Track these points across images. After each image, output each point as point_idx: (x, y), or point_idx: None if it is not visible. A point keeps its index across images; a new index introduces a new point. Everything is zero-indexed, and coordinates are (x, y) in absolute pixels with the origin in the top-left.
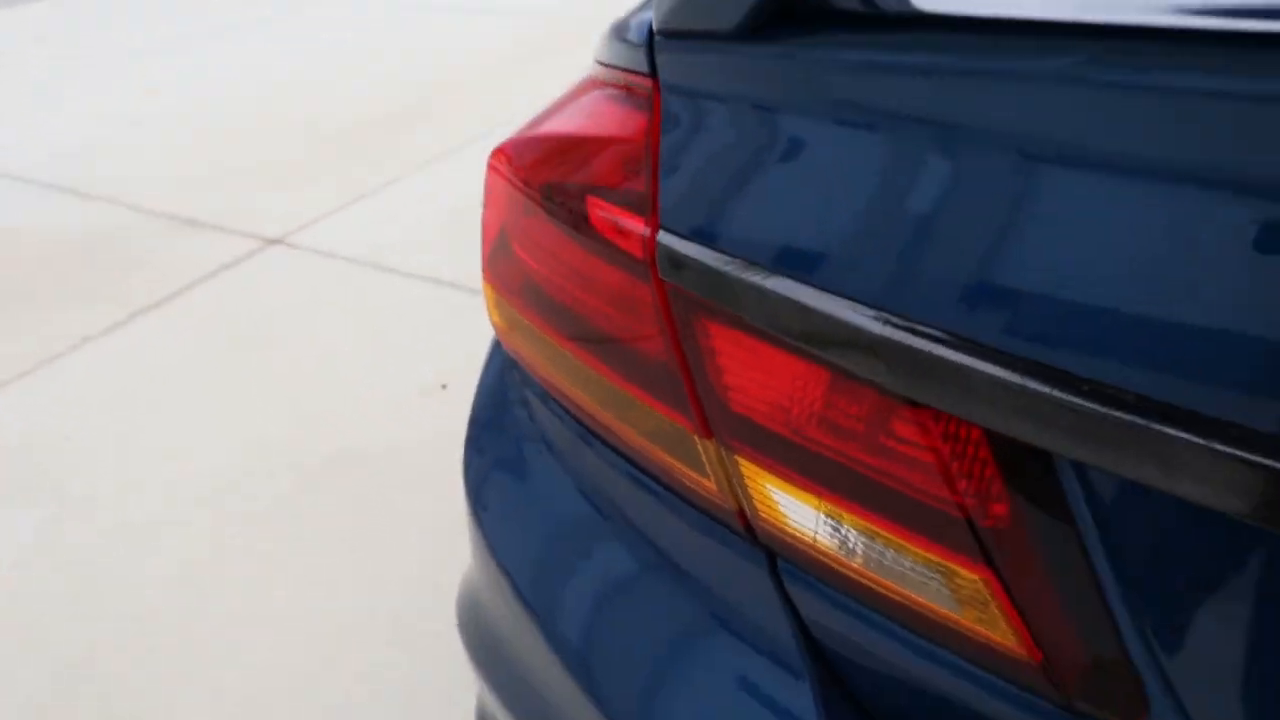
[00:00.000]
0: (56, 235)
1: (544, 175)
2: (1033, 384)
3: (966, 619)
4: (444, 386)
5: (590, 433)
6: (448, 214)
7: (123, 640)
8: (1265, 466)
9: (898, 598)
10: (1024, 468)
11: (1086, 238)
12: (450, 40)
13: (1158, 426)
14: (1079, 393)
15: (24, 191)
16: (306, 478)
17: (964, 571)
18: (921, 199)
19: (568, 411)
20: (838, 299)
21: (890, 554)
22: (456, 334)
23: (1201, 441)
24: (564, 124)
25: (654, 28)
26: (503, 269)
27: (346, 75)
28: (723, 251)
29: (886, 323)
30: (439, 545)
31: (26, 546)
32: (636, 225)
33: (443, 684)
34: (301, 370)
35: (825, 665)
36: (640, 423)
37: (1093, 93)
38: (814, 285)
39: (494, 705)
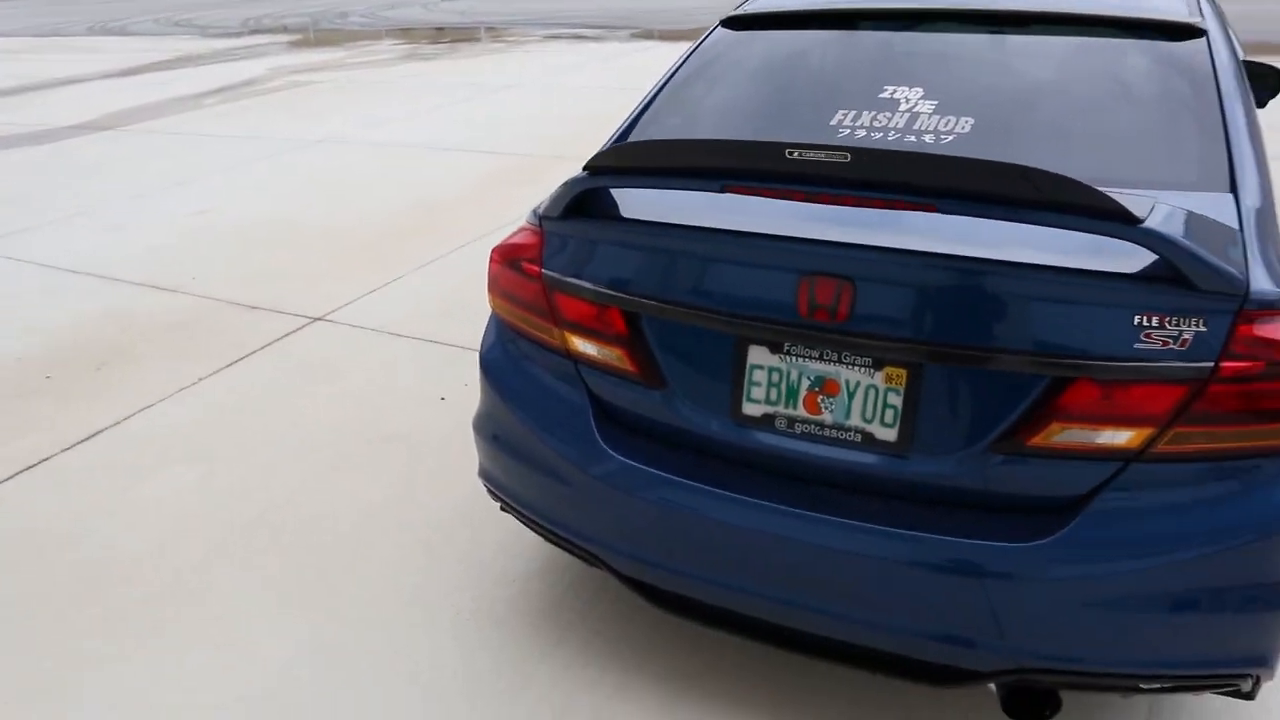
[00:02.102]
0: (154, 318)
1: (506, 255)
2: (645, 303)
3: (622, 365)
4: (443, 399)
5: (522, 335)
6: (439, 299)
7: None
8: (714, 312)
9: (606, 366)
10: (633, 318)
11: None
12: (444, 173)
13: (677, 307)
14: (661, 308)
15: (122, 289)
16: (361, 450)
17: (620, 352)
18: (614, 266)
19: (515, 330)
20: (588, 284)
21: (601, 350)
22: (447, 371)
23: (696, 311)
24: (513, 238)
25: (540, 211)
26: (494, 288)
27: (359, 199)
28: (557, 272)
29: (600, 294)
30: (457, 470)
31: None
32: (536, 270)
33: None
34: (346, 392)
35: (594, 397)
36: (537, 329)
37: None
38: (586, 281)
39: (490, 461)
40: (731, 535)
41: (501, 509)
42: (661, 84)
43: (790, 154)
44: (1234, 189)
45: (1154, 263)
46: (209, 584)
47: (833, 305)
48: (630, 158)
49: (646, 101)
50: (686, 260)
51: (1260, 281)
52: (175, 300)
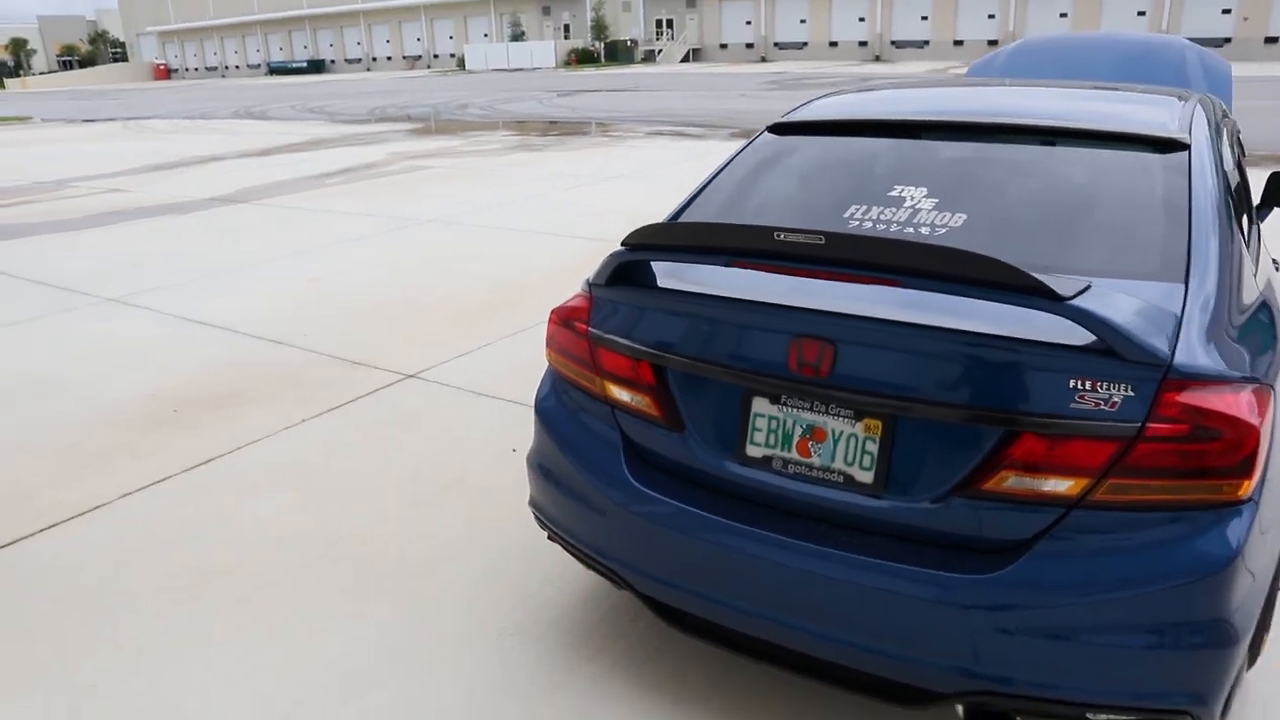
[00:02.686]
0: (269, 368)
1: (562, 316)
2: (670, 358)
3: (650, 411)
4: (514, 450)
5: (571, 384)
6: (517, 366)
7: None
8: (725, 366)
9: (637, 411)
10: (661, 371)
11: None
12: (539, 255)
13: (696, 362)
14: (683, 362)
15: (244, 341)
16: (436, 490)
17: (649, 399)
18: (646, 327)
19: (566, 380)
20: (624, 341)
21: (633, 398)
22: (519, 427)
23: (710, 365)
24: (568, 302)
25: (590, 280)
26: (551, 344)
27: (458, 274)
28: (601, 330)
29: (634, 349)
30: (517, 514)
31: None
32: (584, 328)
33: None
34: (429, 440)
35: (625, 438)
36: (583, 378)
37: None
38: (623, 338)
39: (539, 491)
40: (733, 560)
41: (549, 537)
42: (712, 176)
43: (777, 236)
44: (1186, 280)
45: (1088, 335)
46: (293, 588)
47: (817, 363)
48: (658, 236)
49: (698, 190)
50: (704, 322)
51: (1185, 356)
52: (288, 354)
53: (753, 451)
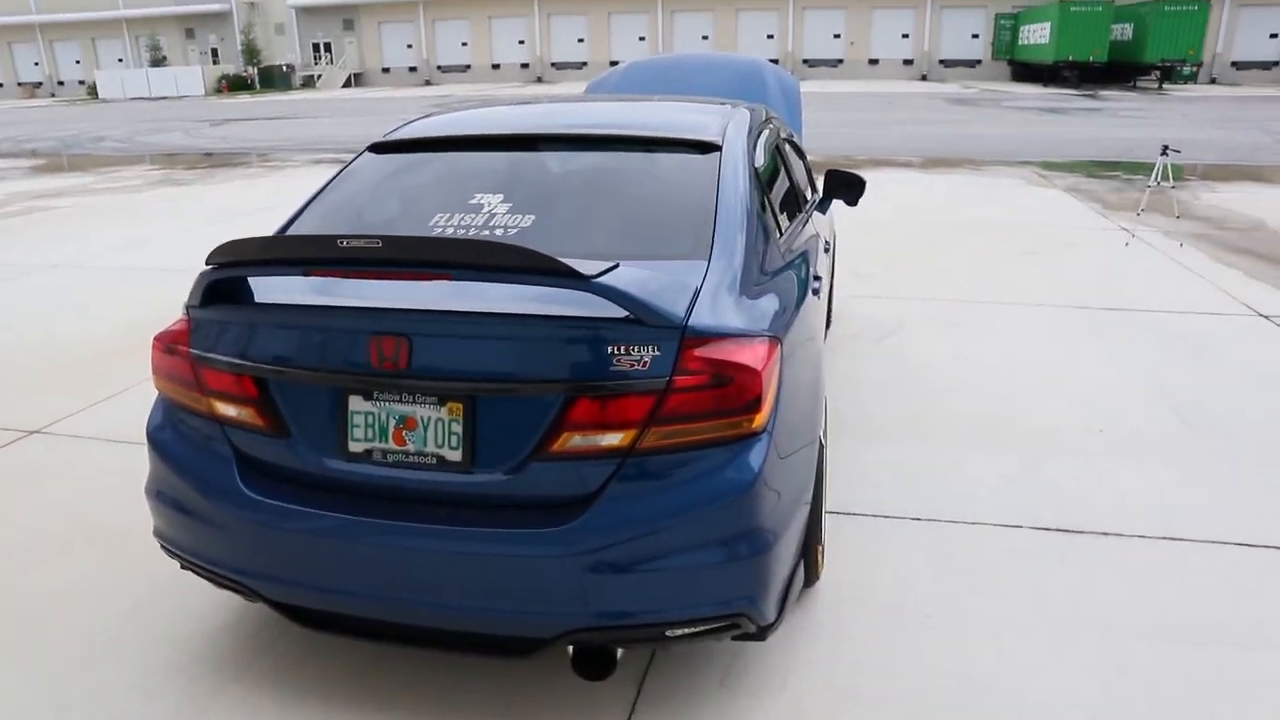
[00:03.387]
0: None
1: (163, 341)
2: (266, 369)
3: (255, 421)
4: None
5: (179, 407)
6: None
7: None
8: (317, 370)
9: (243, 424)
10: (262, 382)
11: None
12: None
13: (291, 369)
14: (279, 371)
15: None
16: (72, 541)
17: (253, 411)
18: (242, 341)
19: (174, 403)
20: (223, 358)
21: (238, 411)
22: None
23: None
24: (170, 327)
25: (186, 303)
26: (157, 371)
27: (85, 320)
28: (201, 350)
29: (233, 365)
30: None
31: None
32: (186, 350)
33: None
34: (57, 492)
35: (237, 451)
36: (189, 399)
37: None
38: (222, 355)
39: (161, 520)
40: (348, 551)
41: (181, 566)
42: (316, 194)
43: (341, 243)
44: (710, 258)
45: (617, 308)
46: None
47: (395, 357)
48: (238, 252)
49: (301, 208)
50: (293, 331)
51: (699, 319)
52: None
53: (355, 447)
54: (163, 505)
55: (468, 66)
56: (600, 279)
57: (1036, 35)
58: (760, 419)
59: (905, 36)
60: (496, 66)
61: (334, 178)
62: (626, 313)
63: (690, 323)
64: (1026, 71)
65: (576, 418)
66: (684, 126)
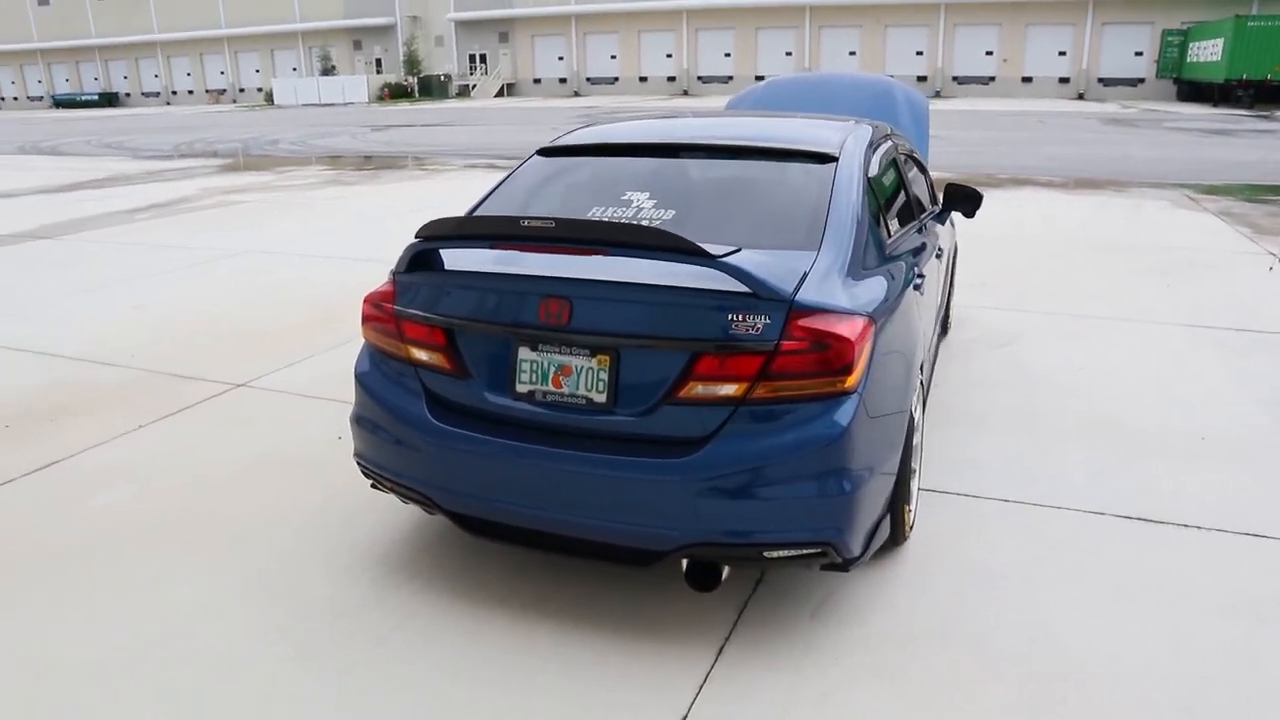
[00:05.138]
0: (98, 386)
1: (372, 300)
2: (455, 322)
3: (443, 365)
4: (339, 438)
5: (381, 352)
6: (338, 373)
7: None
8: (496, 324)
9: (433, 366)
10: (450, 333)
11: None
12: (351, 280)
13: (475, 323)
14: (465, 325)
15: (72, 364)
16: (273, 472)
17: (442, 356)
18: (437, 300)
19: (377, 349)
20: (420, 313)
21: (430, 356)
22: (341, 420)
23: (485, 324)
24: (378, 289)
25: (393, 270)
26: (365, 323)
27: (274, 299)
28: (403, 307)
29: (428, 319)
30: (347, 485)
31: None
32: (390, 307)
33: None
34: (259, 435)
35: (426, 389)
36: (391, 346)
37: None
38: (420, 311)
39: (361, 442)
40: (512, 471)
41: (372, 485)
42: (493, 189)
43: (522, 223)
44: (819, 249)
45: (737, 283)
46: (146, 555)
47: (559, 315)
48: (441, 229)
49: (481, 200)
50: (478, 293)
51: (805, 295)
52: (115, 373)
53: (520, 388)
54: (364, 431)
55: (615, 79)
56: (724, 259)
57: (1207, 52)
58: (851, 381)
59: (1062, 54)
60: (644, 79)
61: (507, 176)
62: (745, 287)
63: (797, 298)
64: (1194, 91)
65: (701, 371)
66: (807, 140)
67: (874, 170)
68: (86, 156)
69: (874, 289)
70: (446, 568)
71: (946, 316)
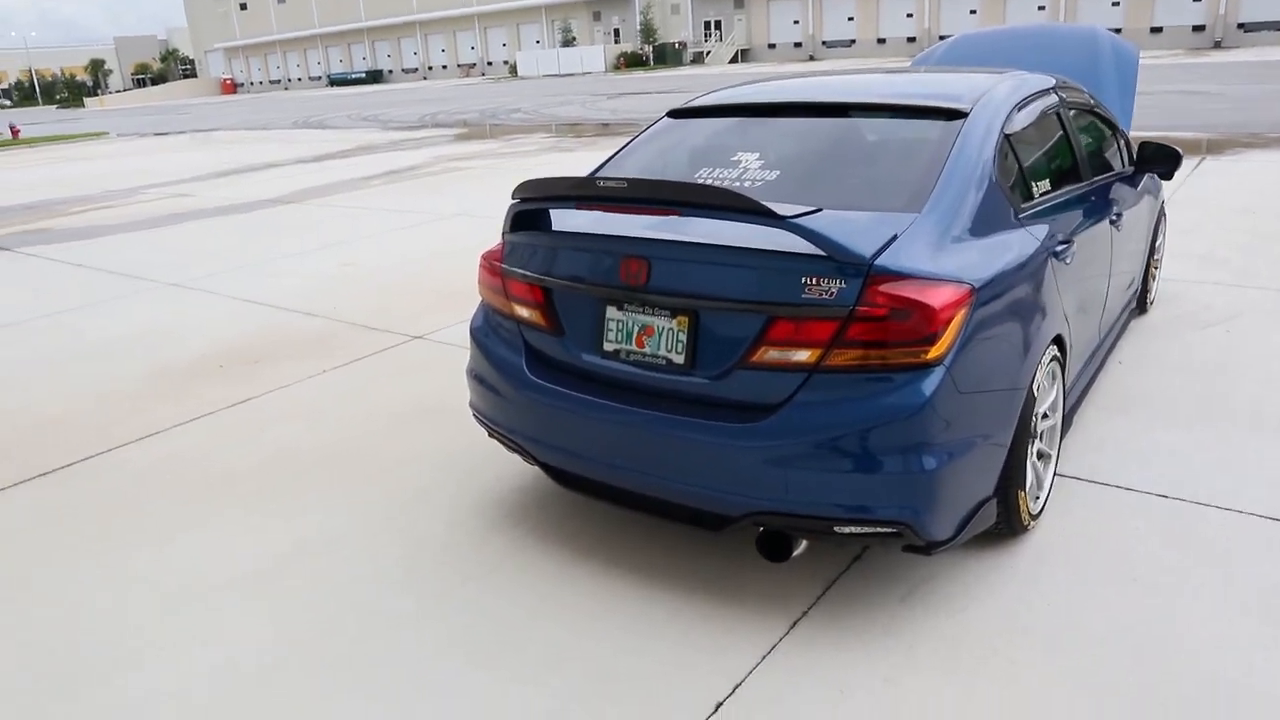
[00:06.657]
0: (301, 333)
1: (486, 259)
2: (550, 281)
3: (540, 322)
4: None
5: (492, 309)
6: None
7: None
8: (586, 283)
9: (532, 323)
10: (548, 291)
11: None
12: None
13: (567, 282)
14: (557, 283)
15: (282, 314)
16: (424, 415)
17: (539, 314)
18: (535, 259)
19: (490, 306)
20: (521, 271)
21: (529, 313)
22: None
23: (574, 283)
24: (491, 249)
25: (502, 229)
26: (480, 281)
27: (471, 260)
28: (508, 265)
29: (528, 277)
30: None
31: None
32: (498, 265)
33: None
34: (421, 381)
35: (527, 344)
36: (498, 303)
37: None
38: (521, 269)
39: (474, 394)
40: (596, 427)
41: (489, 434)
42: (621, 148)
43: (600, 183)
44: (921, 211)
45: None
46: (300, 483)
47: (638, 275)
48: (530, 190)
49: (609, 158)
50: (569, 252)
51: (888, 260)
52: (318, 323)
53: (608, 347)
54: (476, 383)
55: (852, 41)
56: (795, 219)
57: None
58: (936, 352)
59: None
60: (882, 41)
61: (635, 136)
62: (818, 250)
63: (878, 262)
64: None
65: (774, 335)
66: (937, 96)
67: (1017, 126)
68: (345, 129)
69: (983, 255)
70: (548, 517)
71: (1144, 291)
